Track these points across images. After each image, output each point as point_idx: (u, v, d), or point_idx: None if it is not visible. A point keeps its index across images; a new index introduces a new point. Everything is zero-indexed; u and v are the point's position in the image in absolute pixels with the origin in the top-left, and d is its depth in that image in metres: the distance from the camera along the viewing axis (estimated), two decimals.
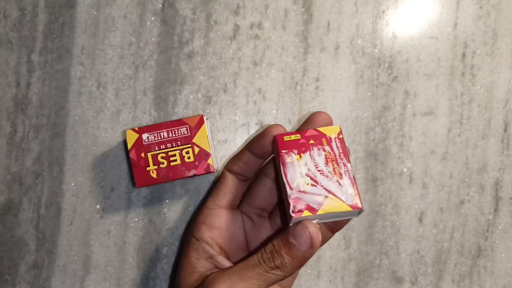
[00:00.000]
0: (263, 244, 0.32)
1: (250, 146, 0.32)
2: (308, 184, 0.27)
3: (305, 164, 0.28)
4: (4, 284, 0.36)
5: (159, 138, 0.34)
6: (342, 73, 0.38)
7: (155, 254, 0.37)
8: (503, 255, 0.38)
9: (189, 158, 0.33)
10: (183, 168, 0.33)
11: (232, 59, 0.38)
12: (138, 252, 0.37)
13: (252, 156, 0.32)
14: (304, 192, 0.27)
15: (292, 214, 0.26)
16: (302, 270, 0.37)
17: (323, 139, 0.29)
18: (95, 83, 0.38)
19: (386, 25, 0.39)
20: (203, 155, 0.33)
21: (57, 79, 0.38)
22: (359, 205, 0.26)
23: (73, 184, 0.37)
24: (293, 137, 0.29)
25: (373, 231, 0.38)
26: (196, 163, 0.33)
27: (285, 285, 0.33)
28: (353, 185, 0.27)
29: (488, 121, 0.39)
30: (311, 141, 0.29)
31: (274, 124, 0.30)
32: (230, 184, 0.33)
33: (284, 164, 0.28)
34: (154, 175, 0.33)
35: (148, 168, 0.33)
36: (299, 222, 0.27)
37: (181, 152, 0.33)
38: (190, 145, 0.33)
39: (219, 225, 0.32)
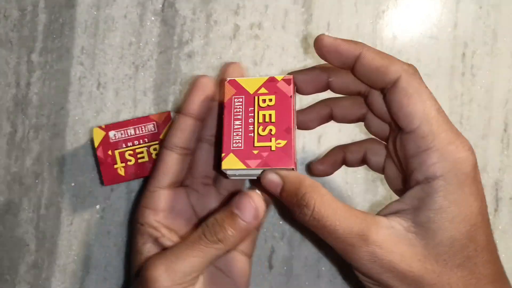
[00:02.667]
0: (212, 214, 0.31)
1: (183, 108, 0.29)
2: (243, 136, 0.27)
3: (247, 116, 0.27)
4: (4, 284, 0.36)
5: (126, 135, 0.34)
6: None
7: None
8: (503, 255, 0.38)
9: (157, 155, 0.33)
10: (151, 165, 0.33)
11: (232, 59, 0.38)
12: None
13: (191, 120, 0.29)
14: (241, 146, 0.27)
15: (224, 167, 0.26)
16: (302, 270, 0.37)
17: (273, 86, 0.28)
18: (95, 83, 0.38)
19: (386, 25, 0.39)
20: None
21: (57, 79, 0.38)
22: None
23: (73, 184, 0.37)
24: (244, 82, 0.28)
25: None
26: None
27: (246, 251, 0.31)
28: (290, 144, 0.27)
29: (488, 121, 0.39)
30: (262, 90, 0.28)
31: (202, 75, 0.29)
32: (169, 162, 0.30)
33: (225, 109, 0.27)
34: (122, 172, 0.33)
35: (115, 166, 0.33)
36: (243, 193, 0.26)
37: (149, 149, 0.33)
38: (157, 142, 0.33)
39: (163, 207, 0.30)
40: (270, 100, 0.27)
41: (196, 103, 0.29)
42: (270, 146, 0.26)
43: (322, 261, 0.37)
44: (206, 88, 0.29)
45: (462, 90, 0.39)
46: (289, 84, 0.28)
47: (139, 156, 0.33)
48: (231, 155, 0.27)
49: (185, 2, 0.38)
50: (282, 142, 0.27)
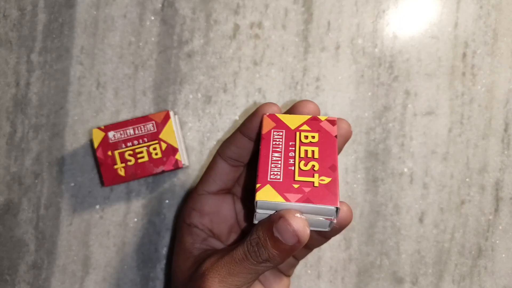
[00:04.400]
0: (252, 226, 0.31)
1: (242, 127, 0.29)
2: (282, 171, 0.25)
3: (288, 150, 0.26)
4: (3, 284, 0.36)
5: (126, 136, 0.34)
6: (342, 72, 0.38)
7: (155, 255, 0.37)
8: (503, 255, 0.38)
9: (156, 154, 0.33)
10: (151, 164, 0.33)
11: (232, 59, 0.38)
12: (138, 252, 0.37)
13: (243, 139, 0.29)
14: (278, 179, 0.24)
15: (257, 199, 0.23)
16: (301, 271, 0.37)
17: (316, 125, 0.26)
18: (95, 83, 0.38)
19: (386, 24, 0.39)
20: (171, 150, 0.33)
21: (56, 79, 0.37)
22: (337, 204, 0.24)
23: (72, 184, 0.37)
24: (285, 118, 0.27)
25: (374, 232, 0.38)
26: (164, 159, 0.33)
27: (298, 256, 0.31)
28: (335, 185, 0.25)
29: (488, 121, 0.38)
30: (304, 127, 0.26)
31: (267, 102, 0.28)
32: (220, 170, 0.31)
33: (263, 140, 0.26)
34: (122, 173, 0.33)
35: (115, 166, 0.33)
36: (281, 217, 0.24)
37: (148, 148, 0.33)
38: (157, 141, 0.33)
39: (209, 210, 0.31)
40: (313, 137, 0.26)
41: (254, 127, 0.28)
42: (313, 182, 0.24)
43: (322, 261, 0.37)
44: (261, 114, 0.28)
45: (463, 90, 0.39)
46: (333, 124, 0.27)
47: (139, 156, 0.33)
48: (268, 186, 0.24)
49: (185, 2, 0.38)
50: (326, 179, 0.24)
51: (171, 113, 0.34)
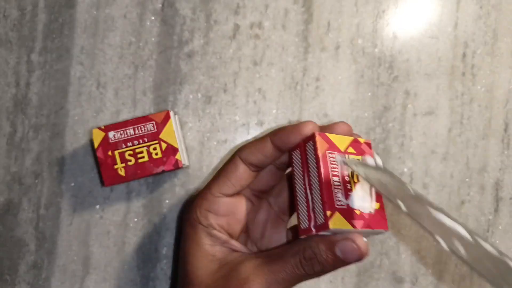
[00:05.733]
0: (261, 225, 0.33)
1: (277, 140, 0.29)
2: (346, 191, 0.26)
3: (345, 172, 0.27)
4: (4, 284, 0.36)
5: (126, 136, 0.33)
6: (342, 72, 0.38)
7: (155, 255, 0.37)
8: None
9: (156, 154, 0.33)
10: (151, 164, 0.33)
11: (232, 59, 0.38)
12: (138, 252, 0.37)
13: (274, 150, 0.30)
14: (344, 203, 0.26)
15: (330, 226, 0.25)
16: None
17: (358, 148, 0.28)
18: (95, 83, 0.38)
19: (386, 24, 0.39)
20: (171, 150, 0.33)
21: (56, 79, 0.38)
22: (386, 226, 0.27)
23: (72, 184, 0.37)
24: (334, 139, 0.27)
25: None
26: (164, 159, 0.33)
27: None
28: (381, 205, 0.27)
29: (488, 121, 0.38)
30: (350, 149, 0.28)
31: (309, 121, 0.29)
32: (241, 175, 0.31)
33: (322, 162, 0.26)
34: (122, 173, 0.33)
35: (115, 166, 0.33)
36: (347, 236, 0.26)
37: (149, 148, 0.33)
38: (157, 141, 0.33)
39: (225, 213, 0.31)
40: (358, 160, 0.28)
41: (291, 142, 0.29)
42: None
43: None
44: (305, 132, 0.29)
45: (463, 90, 0.39)
46: (370, 147, 0.29)
47: (139, 156, 0.33)
48: (337, 214, 0.25)
49: (185, 2, 0.38)
50: (377, 205, 0.27)
51: (171, 113, 0.34)
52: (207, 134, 0.38)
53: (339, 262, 0.27)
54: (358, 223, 0.26)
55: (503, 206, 0.38)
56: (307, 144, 0.28)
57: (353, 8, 0.38)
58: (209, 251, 0.30)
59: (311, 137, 0.27)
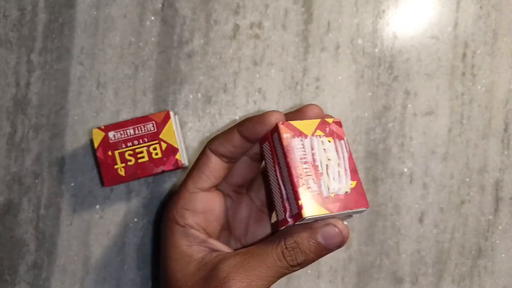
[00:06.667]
0: (244, 221, 0.32)
1: (244, 130, 0.29)
2: (313, 174, 0.26)
3: (312, 152, 0.26)
4: (4, 284, 0.36)
5: (126, 136, 0.33)
6: (342, 72, 0.38)
7: (155, 255, 0.37)
8: (503, 255, 0.38)
9: (156, 154, 0.33)
10: (151, 164, 0.33)
11: (232, 59, 0.38)
12: (138, 252, 0.37)
13: (242, 140, 0.29)
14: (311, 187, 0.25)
15: (305, 214, 0.25)
16: (302, 271, 0.37)
17: (327, 129, 0.27)
18: (95, 83, 0.38)
19: (386, 24, 0.39)
20: (171, 150, 0.33)
21: (56, 79, 0.38)
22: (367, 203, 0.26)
23: (72, 184, 0.37)
24: (298, 125, 0.27)
25: (374, 232, 0.38)
26: (164, 159, 0.33)
27: None
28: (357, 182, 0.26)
29: (488, 121, 0.39)
30: (318, 132, 0.27)
31: (273, 111, 0.28)
32: (214, 166, 0.30)
33: (288, 152, 0.26)
34: (122, 173, 0.33)
35: (116, 166, 0.33)
36: (328, 222, 0.26)
37: (149, 148, 0.33)
38: (157, 141, 0.33)
39: (203, 209, 0.30)
40: (329, 141, 0.27)
41: (258, 133, 0.28)
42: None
43: (322, 261, 0.37)
44: (269, 122, 0.28)
45: (463, 90, 0.39)
46: (340, 126, 0.28)
47: (139, 156, 0.33)
48: (310, 201, 0.25)
49: (185, 2, 0.38)
50: (353, 183, 0.26)
51: (171, 113, 0.34)
52: (207, 134, 0.38)
53: (321, 250, 0.27)
54: (335, 206, 0.25)
55: (503, 206, 0.38)
56: (273, 135, 0.27)
57: (353, 8, 0.38)
58: (186, 252, 0.29)
59: (275, 128, 0.27)
